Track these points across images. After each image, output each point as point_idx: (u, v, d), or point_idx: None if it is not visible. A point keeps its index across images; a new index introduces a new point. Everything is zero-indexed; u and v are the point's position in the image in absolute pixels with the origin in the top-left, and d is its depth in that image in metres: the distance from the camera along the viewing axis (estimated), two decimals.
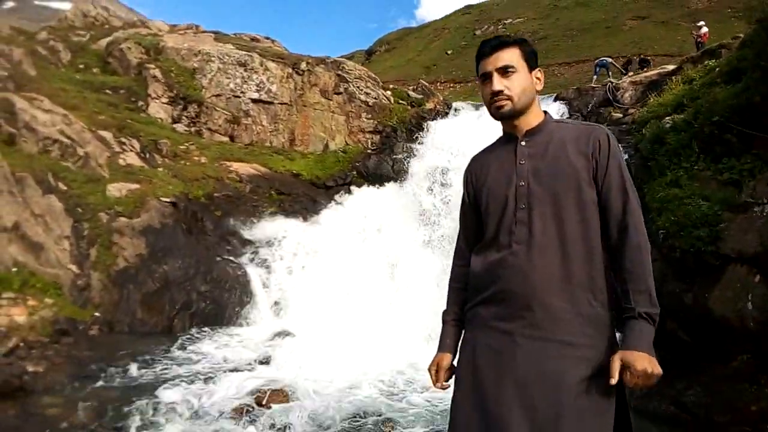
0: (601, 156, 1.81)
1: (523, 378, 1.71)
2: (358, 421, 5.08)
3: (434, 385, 2.00)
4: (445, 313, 2.09)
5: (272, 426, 5.03)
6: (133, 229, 8.78)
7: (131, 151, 10.80)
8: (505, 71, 1.87)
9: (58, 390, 5.54)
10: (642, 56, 17.90)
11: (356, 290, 8.71)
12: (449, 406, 1.90)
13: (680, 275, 5.71)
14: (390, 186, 11.50)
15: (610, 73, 16.30)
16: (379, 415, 5.16)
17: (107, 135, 10.64)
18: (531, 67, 1.91)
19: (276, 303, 8.72)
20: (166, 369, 6.34)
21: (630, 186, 1.82)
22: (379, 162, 12.42)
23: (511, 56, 1.87)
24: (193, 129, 12.83)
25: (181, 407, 5.35)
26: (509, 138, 1.96)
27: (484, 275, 1.87)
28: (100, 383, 5.80)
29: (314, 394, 5.57)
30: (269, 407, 5.26)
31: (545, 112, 1.97)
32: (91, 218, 8.76)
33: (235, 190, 10.94)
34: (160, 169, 10.71)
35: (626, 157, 7.76)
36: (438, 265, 8.65)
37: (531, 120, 1.92)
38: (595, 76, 16.46)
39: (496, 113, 1.91)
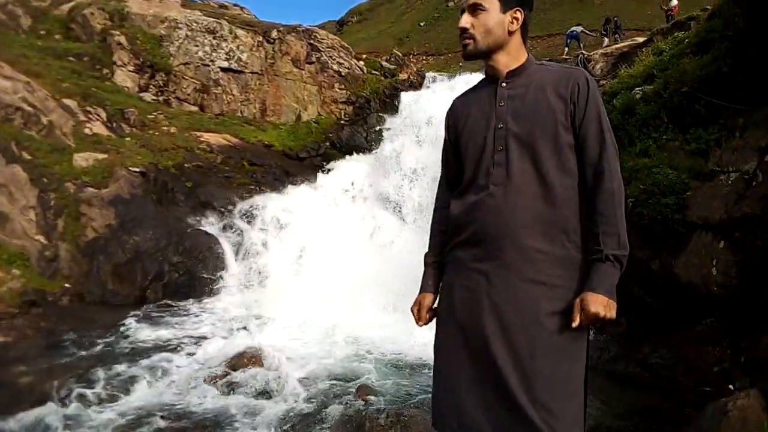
0: (579, 99, 1.81)
1: (500, 315, 1.74)
2: (333, 386, 5.14)
3: (417, 323, 2.05)
4: (426, 255, 2.11)
5: (247, 391, 5.05)
6: (102, 199, 8.61)
7: (97, 120, 10.52)
8: (473, 9, 1.86)
9: (30, 360, 5.45)
10: (616, 18, 18.16)
11: (331, 260, 8.73)
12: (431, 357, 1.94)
13: (648, 242, 5.85)
14: (363, 157, 11.45)
15: (582, 44, 16.40)
16: (354, 381, 5.23)
17: (72, 103, 10.33)
18: (506, 6, 1.88)
19: (249, 273, 8.69)
20: (139, 339, 6.29)
21: (608, 131, 1.82)
22: (353, 133, 12.35)
23: None
24: (161, 98, 12.53)
25: (155, 376, 5.33)
26: (491, 80, 1.95)
27: (462, 217, 1.88)
28: (72, 352, 5.73)
29: (289, 360, 5.60)
30: (244, 373, 5.26)
31: (528, 54, 1.95)
32: (57, 188, 8.55)
33: (206, 160, 10.76)
34: (128, 139, 10.47)
35: None
36: (414, 235, 8.73)
37: (509, 61, 1.91)
38: (566, 48, 16.56)
39: (462, 51, 1.92)
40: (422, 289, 2.07)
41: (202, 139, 11.38)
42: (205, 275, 8.30)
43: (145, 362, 5.53)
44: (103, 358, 5.65)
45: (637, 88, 7.42)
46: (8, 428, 4.23)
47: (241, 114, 12.95)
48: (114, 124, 10.65)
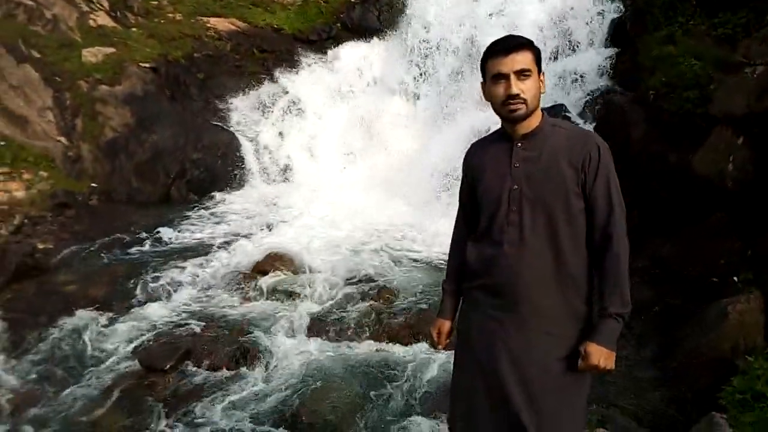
0: (590, 168, 1.94)
1: (514, 360, 1.98)
2: (355, 286, 5.35)
3: (438, 346, 2.35)
4: (444, 282, 2.34)
5: (276, 291, 5.35)
6: (116, 97, 8.59)
7: (100, 10, 10.15)
8: (521, 74, 1.91)
9: (70, 266, 5.80)
10: None
11: (354, 151, 8.76)
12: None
13: (666, 136, 5.80)
14: (376, 40, 11.00)
15: None
16: (375, 282, 5.41)
17: None
18: (539, 71, 1.97)
19: (269, 166, 8.82)
20: (168, 242, 6.56)
21: (616, 197, 1.96)
22: (364, 12, 11.77)
23: (526, 59, 1.92)
24: None
25: (186, 278, 5.64)
26: (506, 137, 2.04)
27: (479, 268, 2.08)
28: (108, 257, 6.06)
29: (316, 259, 5.83)
30: (269, 276, 5.54)
31: (543, 113, 2.03)
32: (71, 87, 8.52)
33: (216, 48, 10.47)
34: (134, 29, 10.16)
35: (621, 10, 7.46)
36: (428, 126, 8.67)
37: (532, 122, 1.99)
38: None
39: (509, 116, 1.96)
40: (441, 315, 2.31)
41: (209, 25, 10.98)
42: (226, 171, 8.45)
43: (175, 266, 5.79)
44: (137, 262, 5.97)
45: None
46: (58, 335, 4.63)
47: None
48: (118, 14, 10.29)
